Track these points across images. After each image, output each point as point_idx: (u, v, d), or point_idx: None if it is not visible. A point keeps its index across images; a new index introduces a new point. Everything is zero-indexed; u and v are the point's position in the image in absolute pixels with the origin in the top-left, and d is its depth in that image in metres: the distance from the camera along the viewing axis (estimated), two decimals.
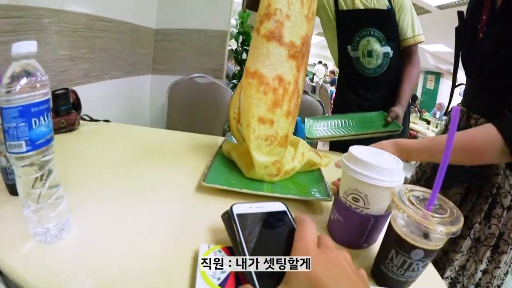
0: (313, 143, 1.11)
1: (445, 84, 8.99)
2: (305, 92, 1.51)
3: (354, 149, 0.48)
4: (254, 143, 0.64)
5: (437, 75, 9.45)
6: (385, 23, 1.20)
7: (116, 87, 1.70)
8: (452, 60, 0.86)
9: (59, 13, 1.21)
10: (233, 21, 2.84)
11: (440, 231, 0.34)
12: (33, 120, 0.38)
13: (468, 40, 0.78)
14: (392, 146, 0.64)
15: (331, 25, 1.29)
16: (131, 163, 0.76)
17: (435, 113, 6.34)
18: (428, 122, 4.41)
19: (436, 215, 0.35)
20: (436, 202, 0.38)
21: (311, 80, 9.47)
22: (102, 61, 1.55)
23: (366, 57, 1.24)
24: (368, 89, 1.28)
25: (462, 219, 0.35)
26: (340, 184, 0.50)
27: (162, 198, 0.60)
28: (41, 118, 0.38)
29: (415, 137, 4.50)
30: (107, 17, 1.52)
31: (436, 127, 4.23)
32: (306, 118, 1.17)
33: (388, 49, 1.22)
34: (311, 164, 0.74)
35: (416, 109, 5.61)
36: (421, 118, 4.69)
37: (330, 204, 0.55)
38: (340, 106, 1.39)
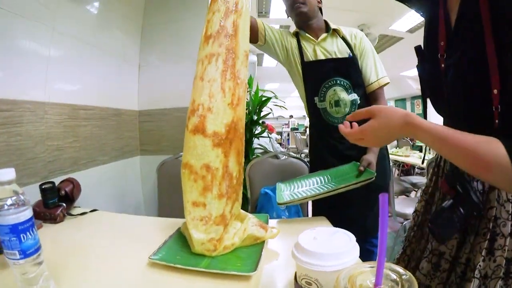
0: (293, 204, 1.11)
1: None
2: (288, 155, 1.54)
3: (302, 238, 0.51)
4: (191, 223, 0.72)
5: (423, 98, 9.38)
6: (349, 70, 1.20)
7: (106, 172, 1.72)
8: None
9: (43, 105, 1.28)
10: None
11: None
12: (21, 235, 0.50)
13: (432, 76, 0.68)
14: (401, 120, 0.57)
15: (299, 77, 1.28)
16: (104, 251, 0.81)
17: None
18: (421, 149, 4.38)
19: None
20: (390, 274, 0.37)
21: (303, 133, 9.17)
22: (89, 149, 1.60)
23: (334, 107, 1.22)
24: (337, 139, 1.22)
25: (415, 284, 0.34)
26: (296, 269, 0.52)
27: (125, 279, 0.67)
28: (28, 233, 0.51)
29: (412, 167, 4.42)
30: (89, 105, 1.58)
31: (429, 153, 4.19)
32: (277, 183, 1.17)
33: (355, 96, 1.20)
34: (254, 238, 0.77)
35: (408, 138, 5.54)
36: (413, 148, 4.59)
37: None
38: (315, 160, 1.36)
